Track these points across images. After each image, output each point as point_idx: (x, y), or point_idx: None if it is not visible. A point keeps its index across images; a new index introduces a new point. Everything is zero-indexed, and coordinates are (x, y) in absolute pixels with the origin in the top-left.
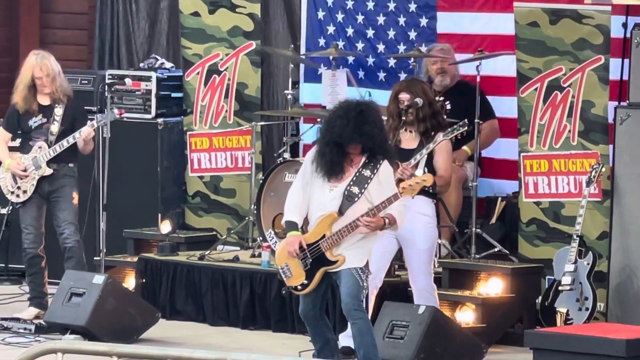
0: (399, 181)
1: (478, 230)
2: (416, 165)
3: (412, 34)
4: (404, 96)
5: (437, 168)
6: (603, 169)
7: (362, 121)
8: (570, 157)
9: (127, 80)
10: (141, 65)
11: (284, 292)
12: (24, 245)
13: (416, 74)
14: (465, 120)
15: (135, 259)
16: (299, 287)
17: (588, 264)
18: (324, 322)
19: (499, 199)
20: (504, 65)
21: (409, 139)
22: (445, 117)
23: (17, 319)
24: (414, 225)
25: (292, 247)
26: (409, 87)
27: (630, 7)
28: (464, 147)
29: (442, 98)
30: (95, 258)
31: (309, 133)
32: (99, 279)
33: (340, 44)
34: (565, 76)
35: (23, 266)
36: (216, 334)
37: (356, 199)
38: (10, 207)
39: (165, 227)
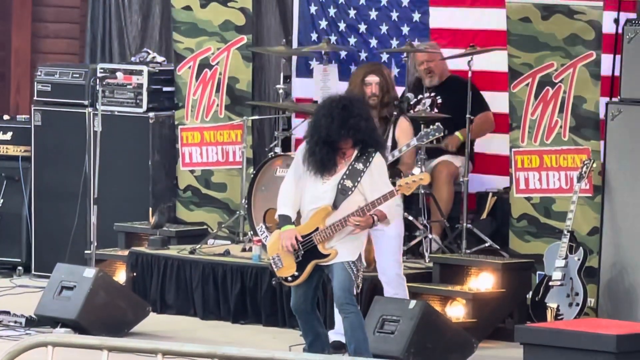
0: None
1: (469, 225)
2: (396, 162)
3: (405, 29)
4: (373, 79)
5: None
6: (594, 165)
7: (346, 116)
8: (562, 152)
9: (119, 74)
10: (133, 59)
11: (274, 282)
12: None
13: (408, 69)
14: (438, 124)
15: (126, 252)
16: (290, 279)
17: (579, 259)
18: (315, 315)
19: (490, 194)
20: (495, 61)
21: None
22: (437, 111)
23: (8, 312)
24: None
25: (288, 242)
26: (377, 69)
27: (622, 2)
28: (457, 133)
29: (433, 94)
30: (86, 251)
31: (300, 127)
32: (89, 272)
33: (333, 38)
34: (557, 72)
35: (14, 259)
36: (207, 328)
37: (350, 192)
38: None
39: (153, 219)
